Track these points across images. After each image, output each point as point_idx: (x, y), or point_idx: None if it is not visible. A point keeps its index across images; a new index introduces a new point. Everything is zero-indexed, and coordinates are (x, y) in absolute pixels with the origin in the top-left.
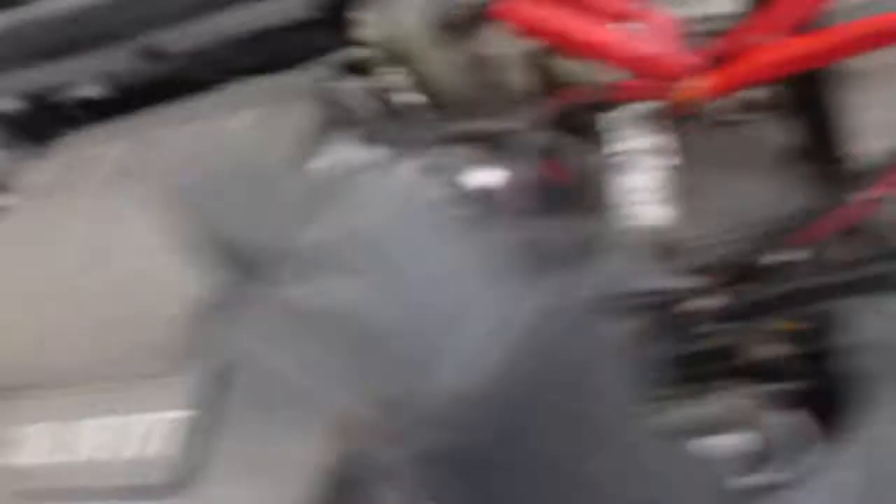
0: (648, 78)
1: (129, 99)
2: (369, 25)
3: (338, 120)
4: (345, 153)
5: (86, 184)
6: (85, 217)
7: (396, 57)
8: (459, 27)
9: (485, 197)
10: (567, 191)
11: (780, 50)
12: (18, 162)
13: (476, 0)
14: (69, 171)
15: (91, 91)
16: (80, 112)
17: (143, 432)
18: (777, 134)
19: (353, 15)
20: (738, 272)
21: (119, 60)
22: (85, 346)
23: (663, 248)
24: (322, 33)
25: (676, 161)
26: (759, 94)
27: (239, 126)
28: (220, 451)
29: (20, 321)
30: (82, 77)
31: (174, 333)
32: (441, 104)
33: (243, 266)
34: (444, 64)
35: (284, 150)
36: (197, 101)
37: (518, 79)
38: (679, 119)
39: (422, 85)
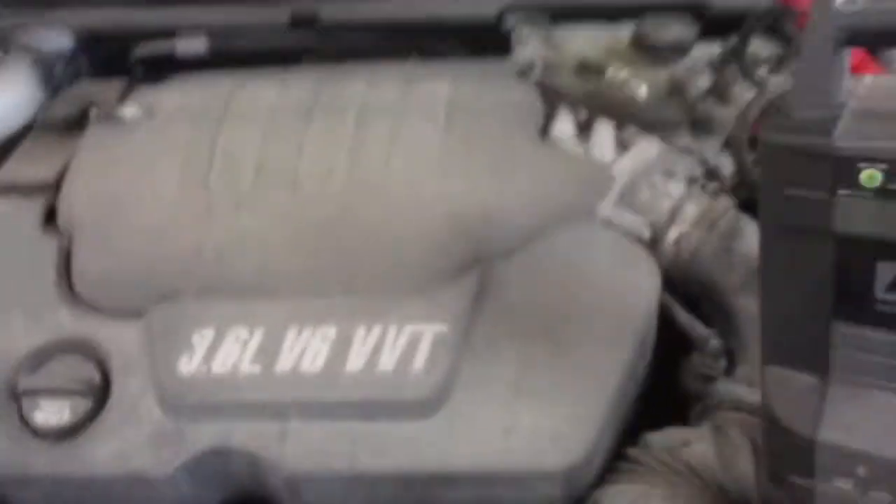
0: None
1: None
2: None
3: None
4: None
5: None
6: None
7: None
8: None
9: None
10: None
11: None
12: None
13: None
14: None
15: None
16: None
17: (396, 347)
18: None
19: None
20: None
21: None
22: (330, 256)
23: None
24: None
25: None
26: None
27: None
28: (478, 372)
29: (265, 229)
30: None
31: (426, 251)
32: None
33: None
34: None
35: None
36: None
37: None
38: None
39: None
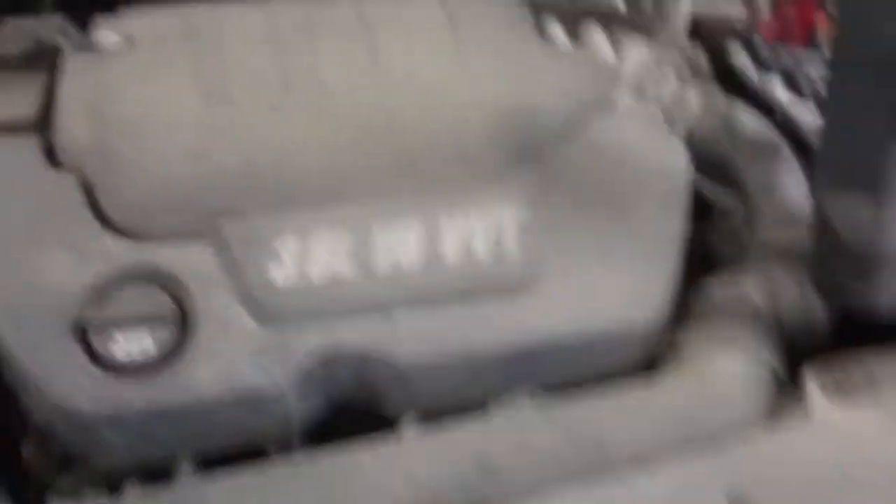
0: None
1: None
2: None
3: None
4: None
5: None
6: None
7: None
8: None
9: None
10: None
11: None
12: None
13: None
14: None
15: None
16: None
17: (485, 233)
18: None
19: None
20: None
21: None
22: (385, 158)
23: None
24: None
25: None
26: None
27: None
28: (560, 246)
29: (316, 135)
30: None
31: (480, 145)
32: None
33: None
34: None
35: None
36: None
37: None
38: None
39: None
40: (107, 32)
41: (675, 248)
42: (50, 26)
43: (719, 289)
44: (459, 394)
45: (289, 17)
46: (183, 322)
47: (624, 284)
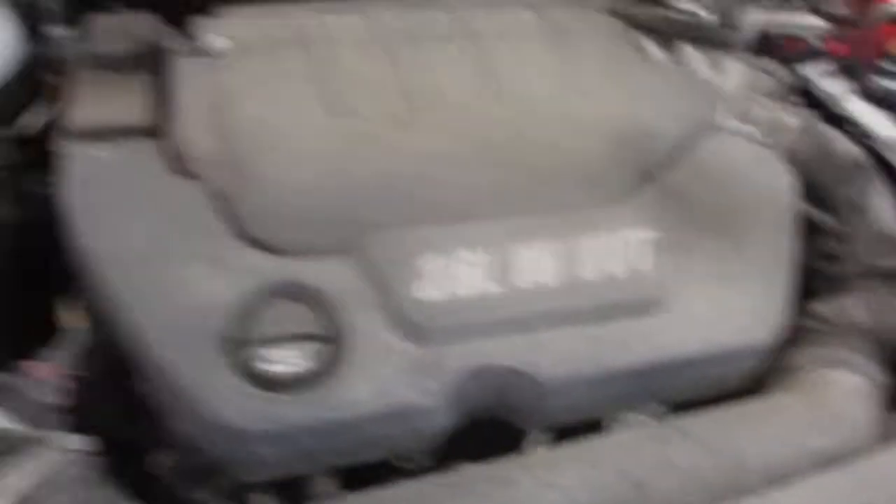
0: None
1: None
2: None
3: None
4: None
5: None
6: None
7: None
8: None
9: None
10: None
11: None
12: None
13: None
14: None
15: None
16: None
17: (619, 252)
18: None
19: None
20: None
21: None
22: (515, 176)
23: None
24: None
25: None
26: None
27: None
28: (684, 266)
29: (450, 153)
30: None
31: (607, 162)
32: None
33: None
34: None
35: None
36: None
37: None
38: None
39: None
40: (216, 36)
41: (788, 267)
42: (141, 24)
43: (828, 309)
44: (589, 408)
45: (390, 23)
46: (335, 339)
47: (744, 302)
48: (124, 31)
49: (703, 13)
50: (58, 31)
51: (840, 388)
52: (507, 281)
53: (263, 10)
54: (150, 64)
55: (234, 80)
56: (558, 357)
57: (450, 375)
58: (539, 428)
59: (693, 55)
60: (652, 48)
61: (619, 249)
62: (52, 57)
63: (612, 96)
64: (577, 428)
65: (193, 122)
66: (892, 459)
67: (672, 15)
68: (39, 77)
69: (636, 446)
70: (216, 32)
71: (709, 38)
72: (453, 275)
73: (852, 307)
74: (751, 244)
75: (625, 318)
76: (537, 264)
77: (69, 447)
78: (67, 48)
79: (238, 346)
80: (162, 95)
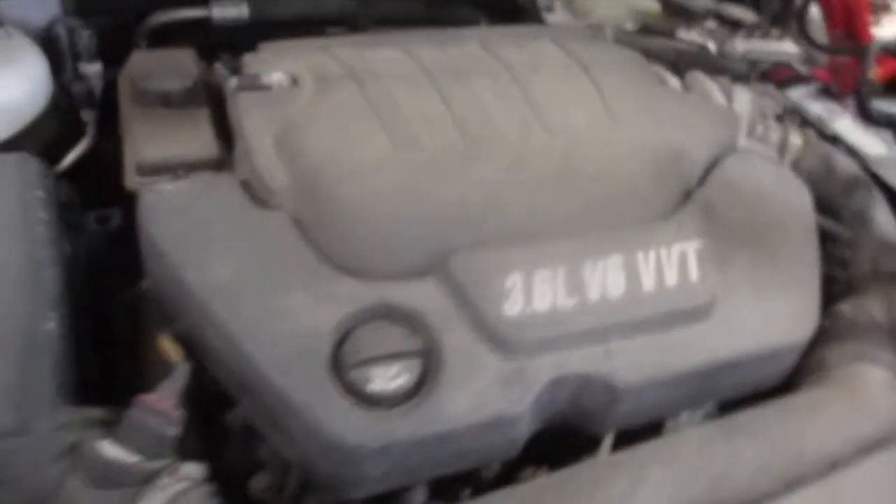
0: None
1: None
2: None
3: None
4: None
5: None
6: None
7: None
8: None
9: None
10: None
11: None
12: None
13: None
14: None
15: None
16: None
17: (673, 264)
18: None
19: None
20: None
21: None
22: (580, 200)
23: None
24: None
25: None
26: None
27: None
28: (725, 276)
29: (512, 180)
30: None
31: (650, 183)
32: None
33: None
34: None
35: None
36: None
37: None
38: None
39: None
40: (273, 72)
41: (816, 273)
42: (184, 60)
43: (849, 309)
44: (654, 410)
45: (432, 58)
46: (431, 356)
47: (782, 305)
48: (172, 68)
49: (709, 45)
50: (93, 68)
51: (870, 380)
52: (580, 295)
53: (304, 47)
54: (205, 99)
55: (296, 113)
56: (628, 363)
57: (535, 385)
58: (607, 431)
59: (706, 82)
60: (669, 77)
61: (672, 262)
62: (89, 93)
63: (645, 123)
64: (634, 431)
65: (266, 154)
66: None
67: (681, 46)
68: (77, 113)
69: (708, 443)
70: (269, 68)
71: (716, 68)
72: (533, 292)
73: (871, 307)
74: (782, 253)
75: (683, 324)
76: (604, 279)
77: (191, 476)
78: (116, 84)
79: (342, 367)
80: (224, 129)
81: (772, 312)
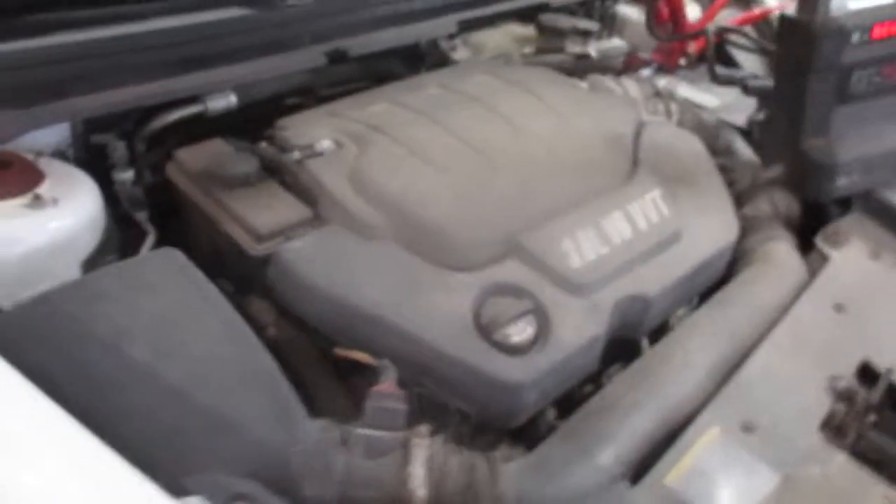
0: None
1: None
2: None
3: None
4: None
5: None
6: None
7: None
8: None
9: None
10: None
11: None
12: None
13: None
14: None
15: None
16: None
17: (658, 207)
18: None
19: None
20: None
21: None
22: (576, 179)
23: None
24: None
25: None
26: None
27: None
28: (680, 205)
29: (517, 176)
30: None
31: (613, 156)
32: None
33: None
34: None
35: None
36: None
37: None
38: None
39: None
40: (325, 140)
41: (727, 194)
42: (222, 146)
43: (750, 211)
44: (667, 312)
45: (416, 103)
46: (539, 311)
47: (718, 219)
48: (232, 155)
49: (592, 52)
50: (127, 175)
51: (780, 251)
52: (609, 243)
53: (317, 116)
54: (276, 173)
55: (355, 167)
56: (651, 280)
57: (605, 311)
58: (643, 335)
59: (603, 80)
60: (577, 82)
61: (649, 207)
62: (137, 197)
63: (585, 116)
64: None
65: (355, 203)
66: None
67: (571, 58)
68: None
69: (713, 316)
70: (306, 138)
71: (601, 69)
72: (581, 248)
73: (761, 206)
74: (703, 185)
75: (670, 245)
76: (617, 228)
77: (424, 434)
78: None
79: (488, 333)
80: (307, 192)
81: (713, 226)
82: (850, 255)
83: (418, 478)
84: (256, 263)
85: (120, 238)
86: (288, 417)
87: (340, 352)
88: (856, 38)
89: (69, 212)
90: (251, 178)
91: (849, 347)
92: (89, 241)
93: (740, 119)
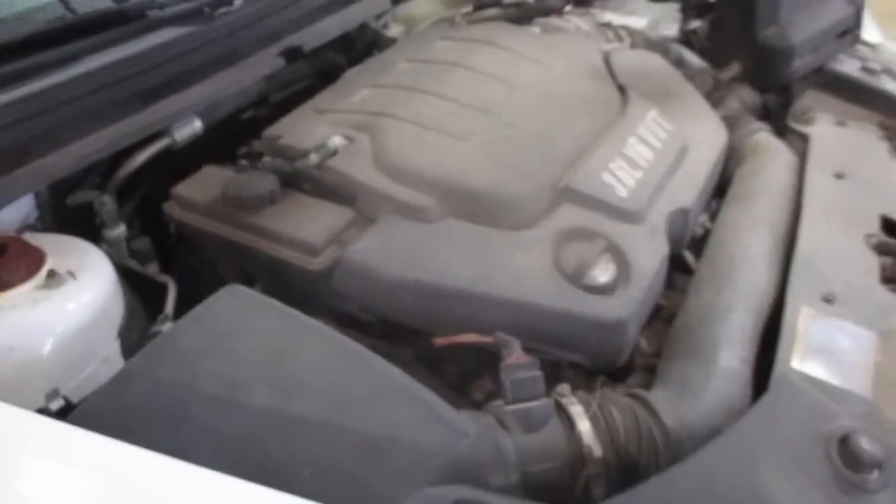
0: None
1: None
2: None
3: None
4: None
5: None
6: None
7: None
8: None
9: None
10: None
11: None
12: None
13: None
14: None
15: None
16: None
17: (658, 129)
18: None
19: None
20: None
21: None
22: (582, 116)
23: None
24: None
25: None
26: None
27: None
28: (674, 119)
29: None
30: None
31: (601, 89)
32: None
33: None
34: None
35: None
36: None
37: None
38: None
39: None
40: (339, 137)
41: (704, 101)
42: (222, 172)
43: (723, 112)
44: (696, 219)
45: (409, 77)
46: (612, 247)
47: (711, 126)
48: (247, 179)
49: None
50: (119, 230)
51: (766, 139)
52: (638, 167)
53: (301, 116)
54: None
55: (378, 156)
56: (683, 191)
57: (661, 230)
58: (683, 249)
59: (553, 22)
60: (532, 29)
61: (655, 126)
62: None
63: (561, 58)
64: None
65: (400, 191)
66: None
67: (512, 9)
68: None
69: (741, 209)
70: (310, 139)
71: (543, 11)
72: (620, 178)
73: (731, 103)
74: (684, 96)
75: (685, 156)
76: (639, 152)
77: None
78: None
79: (577, 279)
80: (339, 193)
81: (708, 130)
82: (823, 128)
83: (589, 435)
84: (317, 278)
85: (138, 297)
86: (439, 416)
87: (442, 340)
88: None
89: (91, 282)
90: (275, 195)
91: (864, 206)
92: (118, 308)
93: (667, 33)
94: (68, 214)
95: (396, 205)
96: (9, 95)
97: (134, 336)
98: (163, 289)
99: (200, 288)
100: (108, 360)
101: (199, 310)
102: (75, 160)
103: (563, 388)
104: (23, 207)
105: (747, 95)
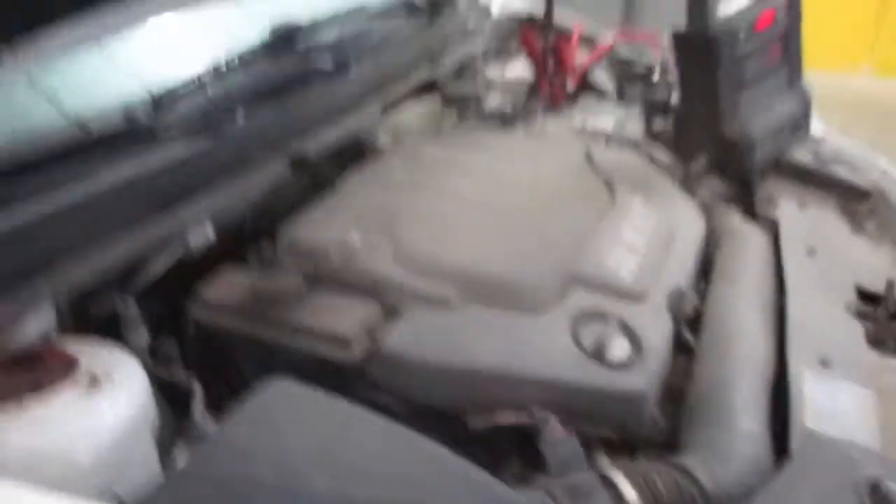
0: None
1: None
2: None
3: None
4: None
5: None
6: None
7: None
8: None
9: None
10: None
11: None
12: None
13: None
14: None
15: None
16: None
17: (644, 218)
18: None
19: None
20: None
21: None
22: (579, 208)
23: None
24: None
25: None
26: None
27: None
28: (655, 202)
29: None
30: None
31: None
32: None
33: None
34: None
35: None
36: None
37: None
38: None
39: None
40: (353, 236)
41: (677, 188)
42: (288, 273)
43: (696, 199)
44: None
45: (409, 178)
46: (623, 325)
47: (689, 212)
48: (267, 275)
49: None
50: (142, 336)
51: (740, 224)
52: (634, 251)
53: (317, 215)
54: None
55: (395, 251)
56: (678, 272)
57: (663, 308)
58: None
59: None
60: (515, 132)
61: (644, 212)
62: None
63: (551, 156)
64: None
65: (419, 283)
66: None
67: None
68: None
69: (740, 287)
70: (326, 237)
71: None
72: (621, 263)
73: (703, 192)
74: (662, 187)
75: (674, 236)
76: (633, 237)
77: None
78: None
79: (599, 357)
80: (363, 288)
81: (689, 216)
82: (789, 211)
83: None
84: (351, 370)
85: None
86: (499, 497)
87: (479, 421)
88: (742, 34)
89: (129, 384)
90: (303, 292)
91: (839, 278)
92: (154, 411)
93: (631, 133)
94: (88, 322)
95: (419, 296)
96: (29, 210)
97: (166, 438)
98: (186, 391)
99: (219, 386)
100: (145, 464)
101: (245, 409)
102: (96, 270)
103: (602, 459)
104: (44, 317)
105: (716, 185)
